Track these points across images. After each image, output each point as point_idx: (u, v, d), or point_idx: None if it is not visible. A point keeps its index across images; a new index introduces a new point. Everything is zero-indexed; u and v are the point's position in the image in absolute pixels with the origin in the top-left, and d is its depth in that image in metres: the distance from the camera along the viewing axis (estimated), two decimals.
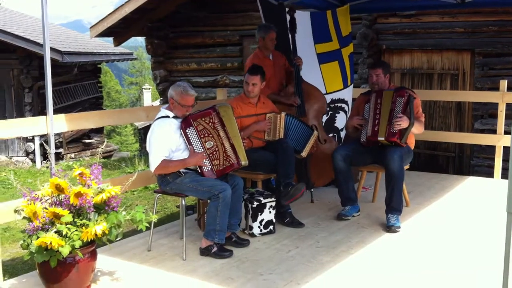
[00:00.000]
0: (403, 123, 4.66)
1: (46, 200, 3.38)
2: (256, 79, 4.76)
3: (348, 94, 6.57)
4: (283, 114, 4.89)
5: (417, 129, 4.83)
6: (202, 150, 4.04)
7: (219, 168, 4.09)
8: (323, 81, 6.29)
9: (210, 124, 4.09)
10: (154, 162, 3.96)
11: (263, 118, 4.86)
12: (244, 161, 4.19)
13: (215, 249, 4.02)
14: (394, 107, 4.76)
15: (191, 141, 4.03)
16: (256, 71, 4.79)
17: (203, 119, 4.09)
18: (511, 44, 7.60)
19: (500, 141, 6.38)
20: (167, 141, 3.99)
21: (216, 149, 4.08)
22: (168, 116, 4.07)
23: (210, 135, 4.08)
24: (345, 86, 6.53)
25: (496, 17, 7.75)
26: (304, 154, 5.00)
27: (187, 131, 4.02)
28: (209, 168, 4.07)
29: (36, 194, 3.34)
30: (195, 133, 4.04)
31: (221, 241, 4.04)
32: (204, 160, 4.05)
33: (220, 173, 4.09)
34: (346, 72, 6.53)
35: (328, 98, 6.17)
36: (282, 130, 4.86)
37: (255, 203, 4.45)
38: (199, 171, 4.06)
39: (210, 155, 4.07)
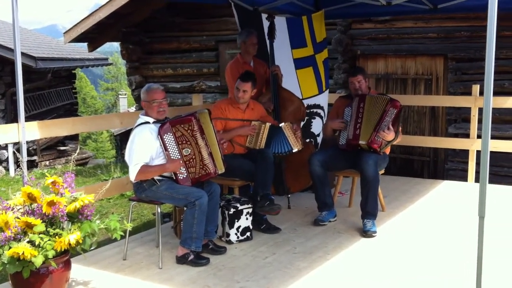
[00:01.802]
0: (389, 136, 4.74)
1: (18, 210, 3.31)
2: (247, 86, 4.75)
3: (323, 99, 6.60)
4: (267, 124, 4.88)
5: (396, 140, 4.90)
6: (179, 156, 4.00)
7: (195, 176, 4.05)
8: (299, 87, 6.31)
9: (189, 131, 4.03)
10: (134, 169, 3.91)
11: (248, 124, 4.87)
12: (220, 170, 4.18)
13: (191, 257, 3.99)
14: (385, 115, 4.79)
15: (168, 147, 3.98)
16: (247, 78, 4.77)
17: (182, 125, 4.02)
18: (482, 49, 7.69)
19: (473, 145, 6.47)
20: (147, 147, 3.95)
21: (193, 156, 4.03)
22: (148, 122, 4.03)
23: (188, 143, 4.02)
24: (320, 91, 6.57)
25: (468, 23, 7.89)
26: (296, 148, 4.93)
27: (164, 137, 3.97)
28: (185, 176, 4.03)
29: (7, 204, 3.28)
30: (173, 139, 3.99)
31: (198, 249, 4.01)
32: (180, 167, 4.02)
33: (196, 181, 4.06)
34: (320, 77, 6.57)
35: (304, 103, 6.19)
36: (264, 140, 4.84)
37: (232, 210, 4.43)
38: (174, 178, 4.03)
39: (187, 162, 4.02)
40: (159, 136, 3.96)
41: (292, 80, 6.19)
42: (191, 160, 4.03)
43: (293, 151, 4.95)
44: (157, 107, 4.01)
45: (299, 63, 6.38)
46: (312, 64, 6.49)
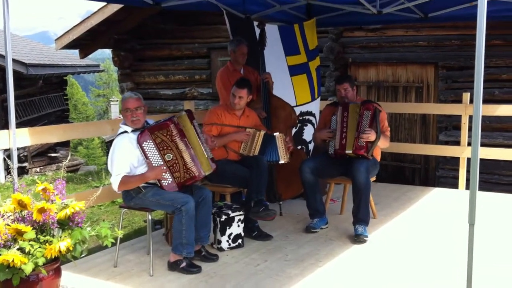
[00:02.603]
0: (371, 136, 4.73)
1: (8, 216, 3.29)
2: (243, 93, 4.77)
3: (315, 106, 6.64)
4: (262, 132, 4.89)
5: (383, 144, 4.91)
6: (162, 163, 3.97)
7: (180, 181, 4.03)
8: (294, 93, 6.33)
9: (168, 136, 4.00)
10: (116, 180, 3.90)
11: (243, 130, 4.87)
12: (207, 172, 4.15)
13: (183, 264, 3.97)
14: (361, 120, 4.82)
15: (148, 155, 3.94)
16: (243, 84, 4.79)
17: (161, 131, 3.99)
18: (472, 58, 7.74)
19: (463, 152, 6.51)
20: (127, 157, 3.93)
21: (176, 161, 4.01)
22: (126, 132, 4.01)
23: (169, 148, 3.99)
24: (313, 99, 6.60)
25: (457, 31, 7.95)
26: (283, 160, 4.93)
27: (143, 145, 3.93)
28: (170, 181, 4.01)
29: None
30: (153, 146, 3.96)
31: (190, 255, 3.99)
32: (164, 174, 3.98)
33: (182, 185, 4.03)
34: (313, 85, 6.61)
35: (298, 110, 6.22)
36: (258, 147, 4.85)
37: (224, 217, 4.43)
38: (159, 184, 4.01)
39: (171, 167, 4.00)
40: (138, 144, 3.93)
41: (287, 87, 6.21)
42: (175, 164, 4.01)
43: (280, 162, 4.96)
44: (130, 116, 3.98)
45: (294, 70, 6.41)
46: (305, 71, 6.52)
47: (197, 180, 4.13)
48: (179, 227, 3.91)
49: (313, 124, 6.59)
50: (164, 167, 3.97)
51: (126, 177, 3.91)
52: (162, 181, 3.99)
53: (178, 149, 4.02)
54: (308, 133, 6.51)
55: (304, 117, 6.46)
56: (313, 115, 6.61)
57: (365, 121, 4.80)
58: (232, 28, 5.90)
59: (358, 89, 8.71)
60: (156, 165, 3.95)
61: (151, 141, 3.95)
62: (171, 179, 4.01)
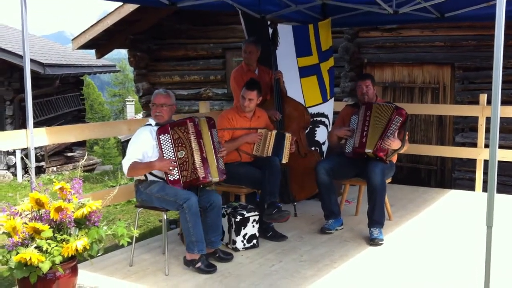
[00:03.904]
0: (393, 144, 4.74)
1: (26, 215, 3.33)
2: (252, 95, 4.78)
3: (327, 108, 6.61)
4: (274, 132, 4.89)
5: (403, 149, 4.90)
6: (174, 158, 4.03)
7: (186, 180, 4.06)
8: (303, 95, 6.32)
9: (184, 133, 4.08)
10: (126, 163, 3.99)
11: (255, 132, 4.88)
12: (214, 178, 4.14)
13: (199, 264, 3.98)
14: (390, 123, 4.79)
15: (163, 147, 4.04)
16: (253, 86, 4.80)
17: (179, 128, 4.10)
18: (489, 58, 7.69)
19: (480, 154, 6.45)
20: (142, 145, 4.05)
21: (187, 159, 4.06)
22: (150, 124, 4.14)
23: (183, 145, 4.07)
24: (324, 100, 6.57)
25: (474, 32, 7.87)
26: (284, 160, 4.95)
27: (160, 136, 4.04)
28: (177, 178, 4.04)
29: (15, 209, 3.29)
30: (170, 141, 4.05)
31: (202, 252, 4.00)
32: (173, 168, 4.03)
33: (187, 185, 4.06)
34: (325, 86, 6.58)
35: (309, 111, 6.19)
36: (271, 147, 4.86)
37: (239, 217, 4.43)
38: (165, 178, 4.06)
39: (181, 165, 4.05)
40: (156, 135, 4.05)
41: (296, 89, 6.20)
42: (185, 163, 4.06)
43: (282, 162, 4.95)
44: (154, 110, 4.13)
45: (304, 72, 6.40)
46: (316, 72, 6.50)
47: (203, 182, 4.11)
48: (186, 224, 3.95)
49: (326, 126, 6.57)
50: (174, 163, 4.02)
51: (135, 162, 3.99)
52: (168, 175, 4.04)
53: (190, 147, 4.08)
54: (320, 134, 6.48)
55: (315, 118, 6.43)
56: (326, 116, 6.59)
57: (394, 126, 4.78)
58: (247, 28, 5.91)
59: None
60: (167, 158, 4.03)
61: (168, 136, 4.06)
62: (177, 176, 4.05)
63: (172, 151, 4.04)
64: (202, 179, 4.07)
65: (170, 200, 3.97)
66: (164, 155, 4.03)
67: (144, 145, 4.06)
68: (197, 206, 3.95)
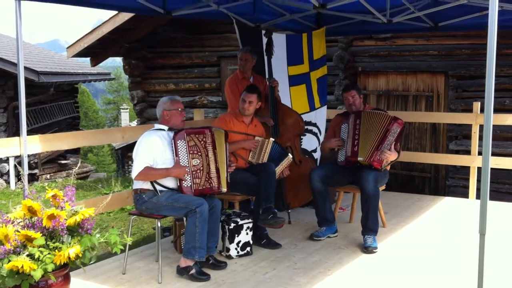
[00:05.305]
0: (390, 157, 4.76)
1: (18, 223, 3.31)
2: (253, 97, 4.81)
3: (315, 116, 6.63)
4: (271, 140, 4.91)
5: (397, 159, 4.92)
6: (187, 165, 4.04)
7: (198, 188, 4.07)
8: (291, 103, 6.34)
9: (202, 142, 4.12)
10: (137, 167, 3.96)
11: (252, 138, 4.89)
12: (224, 188, 4.19)
13: (193, 271, 3.97)
14: (388, 135, 4.80)
15: (179, 152, 4.04)
16: (253, 89, 4.86)
17: (197, 136, 4.12)
18: (483, 67, 7.73)
19: (474, 162, 6.47)
20: (154, 150, 4.02)
21: (201, 168, 4.08)
22: (163, 130, 4.14)
23: (199, 153, 4.10)
24: (312, 109, 6.60)
25: (468, 41, 7.93)
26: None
27: (177, 142, 4.05)
28: (189, 185, 4.05)
29: (8, 217, 3.27)
30: (185, 147, 4.07)
31: (202, 259, 3.99)
32: (186, 175, 4.03)
33: (198, 192, 4.07)
34: (312, 95, 6.61)
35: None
36: (267, 155, 4.88)
37: (232, 225, 4.43)
38: (178, 184, 4.05)
39: (194, 172, 4.06)
40: (172, 140, 4.04)
41: (285, 97, 6.23)
42: (198, 171, 4.07)
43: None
44: (180, 115, 4.20)
45: (293, 81, 6.44)
46: (305, 81, 6.55)
47: (214, 192, 4.16)
48: (193, 229, 3.92)
49: (314, 134, 6.59)
50: (187, 170, 4.02)
51: (148, 168, 3.96)
52: (183, 182, 4.04)
53: (207, 157, 4.11)
54: (308, 142, 6.48)
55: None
56: (314, 124, 6.61)
57: (392, 136, 4.79)
58: (242, 37, 5.94)
59: (368, 98, 8.72)
60: (182, 164, 4.03)
61: (184, 142, 4.07)
62: (190, 183, 4.05)
63: (187, 157, 4.06)
64: (215, 189, 4.11)
65: (181, 206, 3.96)
66: (180, 161, 4.03)
67: (155, 150, 4.03)
68: (207, 213, 3.95)
